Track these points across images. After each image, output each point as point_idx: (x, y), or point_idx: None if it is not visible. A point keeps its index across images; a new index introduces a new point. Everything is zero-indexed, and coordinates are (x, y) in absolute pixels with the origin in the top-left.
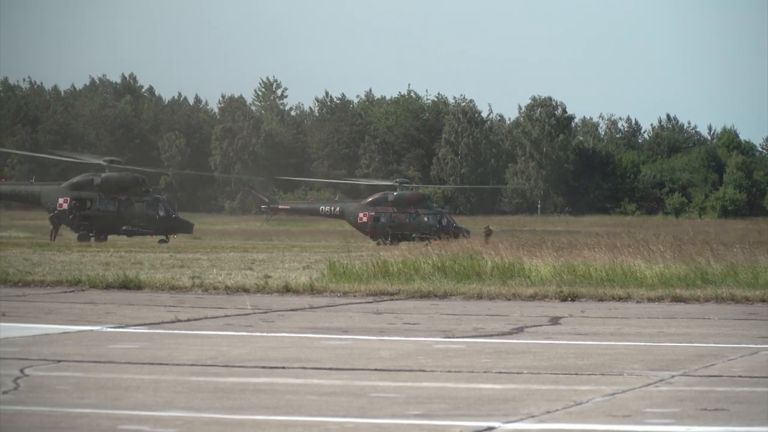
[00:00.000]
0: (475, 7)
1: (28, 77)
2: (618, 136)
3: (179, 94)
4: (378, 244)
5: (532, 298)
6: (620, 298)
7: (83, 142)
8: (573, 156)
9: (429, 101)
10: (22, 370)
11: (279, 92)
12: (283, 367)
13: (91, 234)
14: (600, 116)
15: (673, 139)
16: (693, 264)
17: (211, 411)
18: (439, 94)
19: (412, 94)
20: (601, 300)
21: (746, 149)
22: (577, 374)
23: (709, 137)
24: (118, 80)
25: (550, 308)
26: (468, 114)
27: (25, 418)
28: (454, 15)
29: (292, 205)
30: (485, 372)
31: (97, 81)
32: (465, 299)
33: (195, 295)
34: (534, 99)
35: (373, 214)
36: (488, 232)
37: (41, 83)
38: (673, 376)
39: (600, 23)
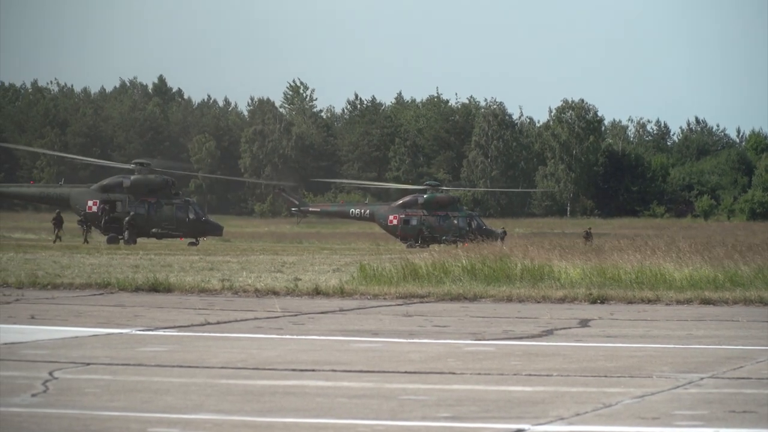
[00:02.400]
0: (505, 10)
1: (55, 79)
2: (647, 138)
3: (208, 96)
4: (408, 246)
5: (562, 300)
6: (649, 301)
7: (112, 144)
8: (602, 159)
9: (459, 104)
10: (51, 373)
11: (307, 94)
12: (313, 370)
13: (120, 236)
14: (629, 119)
15: (702, 141)
16: (722, 266)
17: (241, 414)
18: (471, 97)
19: (441, 96)
20: (630, 302)
21: None
22: (606, 376)
23: (738, 140)
24: (149, 82)
25: (579, 310)
26: (498, 116)
27: (54, 421)
28: (483, 17)
29: (322, 207)
30: (515, 374)
31: (127, 83)
32: (495, 301)
33: (225, 297)
34: (565, 102)
35: (403, 216)
36: (588, 234)
37: (71, 86)
38: (701, 379)
39: (629, 26)
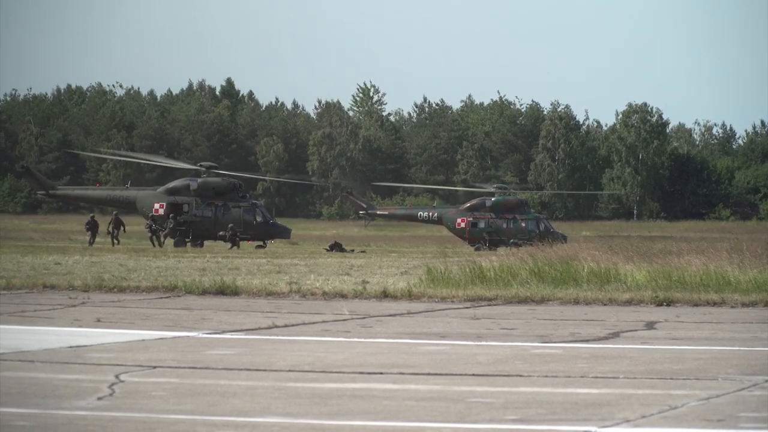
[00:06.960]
0: (573, 13)
1: (118, 82)
2: (713, 142)
3: (276, 99)
4: (476, 249)
5: (628, 303)
6: (715, 303)
7: (179, 147)
8: (668, 162)
9: (525, 107)
10: (117, 376)
11: (376, 98)
12: (381, 373)
13: (187, 239)
14: (695, 122)
15: (767, 144)
16: None
17: (308, 417)
18: (532, 101)
19: (506, 99)
20: (695, 305)
21: None
22: (672, 379)
23: None
24: (217, 85)
25: (645, 313)
26: (565, 120)
27: (120, 425)
28: (552, 20)
29: (390, 210)
30: (582, 377)
31: (195, 86)
32: (562, 304)
33: (292, 300)
34: (630, 105)
35: (471, 219)
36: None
37: (138, 88)
38: (766, 381)
39: (695, 30)
